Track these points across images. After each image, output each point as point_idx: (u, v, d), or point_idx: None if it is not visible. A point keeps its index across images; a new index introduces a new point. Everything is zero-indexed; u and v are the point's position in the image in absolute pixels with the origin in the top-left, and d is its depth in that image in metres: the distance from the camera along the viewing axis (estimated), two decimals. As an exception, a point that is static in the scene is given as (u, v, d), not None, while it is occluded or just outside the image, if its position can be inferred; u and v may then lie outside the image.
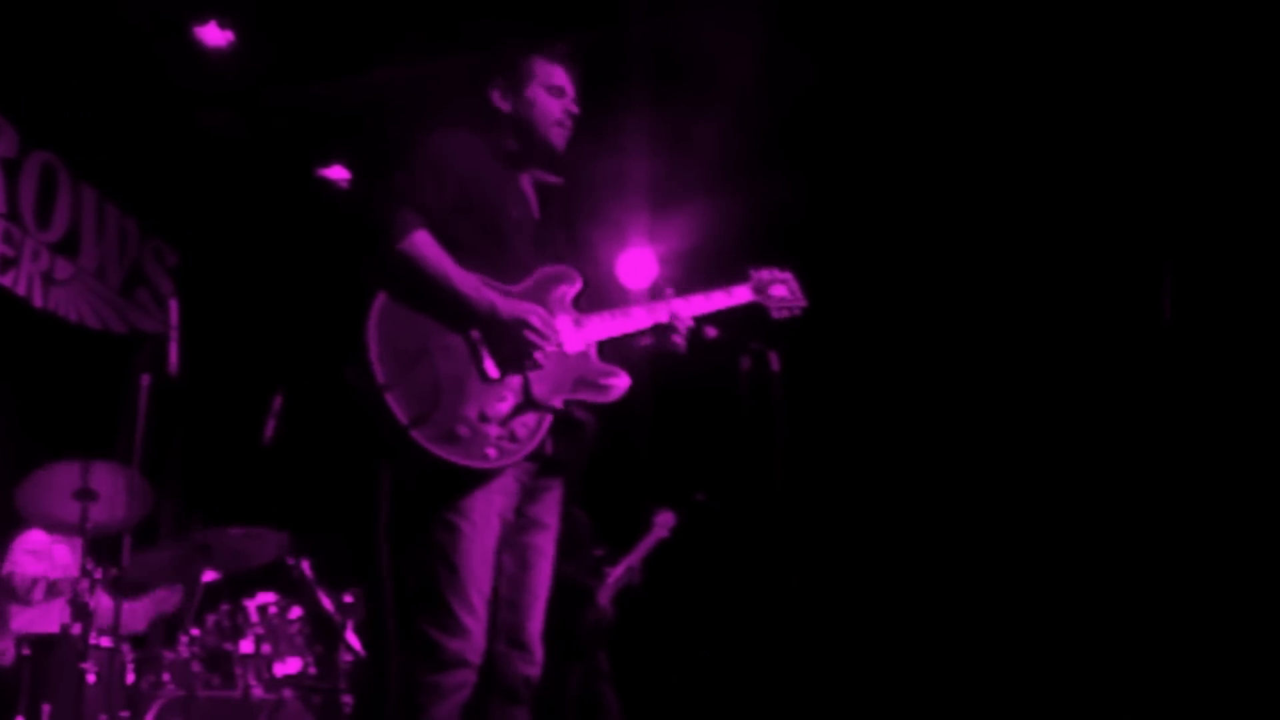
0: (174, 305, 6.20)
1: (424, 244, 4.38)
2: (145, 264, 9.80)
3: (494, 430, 4.36)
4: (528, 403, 4.44)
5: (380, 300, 4.34)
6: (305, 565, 7.13)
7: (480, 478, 4.38)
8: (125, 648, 6.66)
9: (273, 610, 7.00)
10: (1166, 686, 7.63)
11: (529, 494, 4.61)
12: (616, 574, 8.09)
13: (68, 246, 9.07)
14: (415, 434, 4.24)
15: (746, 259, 8.75)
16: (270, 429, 7.07)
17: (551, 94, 4.81)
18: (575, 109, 4.85)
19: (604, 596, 7.98)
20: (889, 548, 8.84)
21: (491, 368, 4.42)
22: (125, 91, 8.99)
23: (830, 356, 8.53)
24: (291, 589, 7.14)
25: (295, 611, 7.05)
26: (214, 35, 8.30)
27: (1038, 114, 8.20)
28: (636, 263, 9.25)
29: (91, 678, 6.33)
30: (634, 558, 8.14)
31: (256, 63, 8.56)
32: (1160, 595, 7.71)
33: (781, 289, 5.15)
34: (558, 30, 8.33)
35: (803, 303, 5.18)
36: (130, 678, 6.62)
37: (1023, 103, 8.19)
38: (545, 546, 4.68)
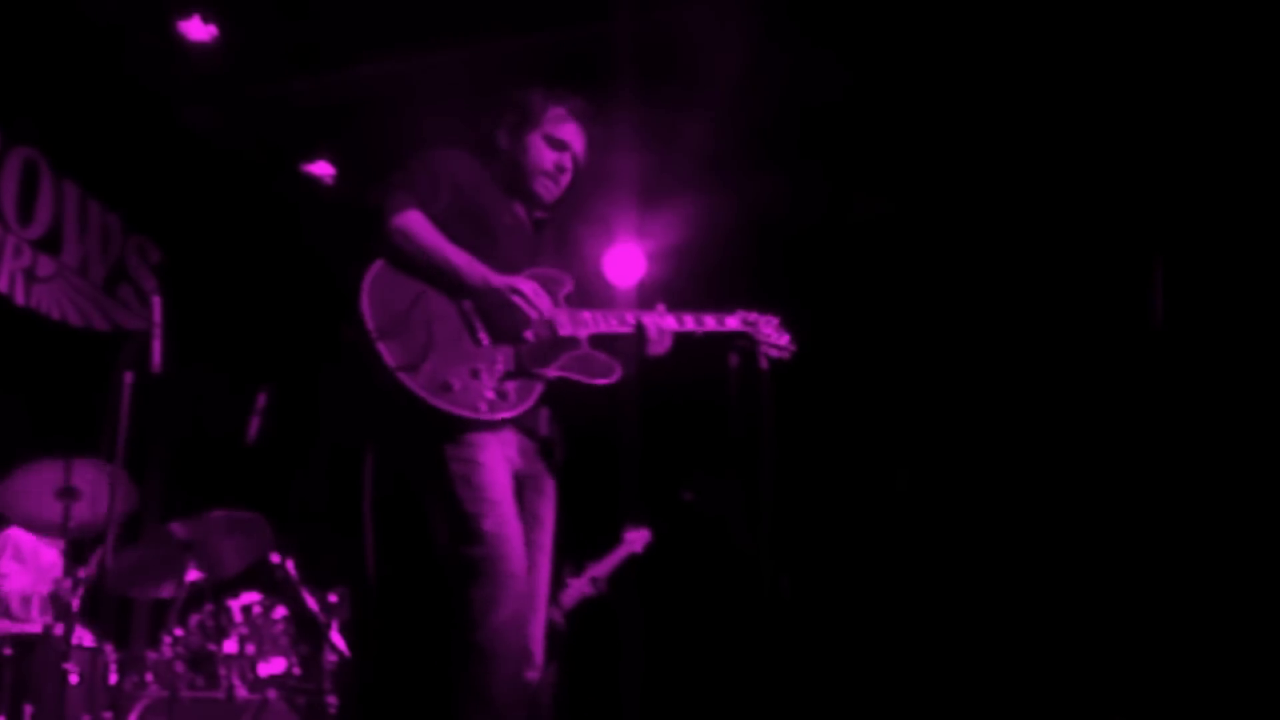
0: (157, 302, 6.14)
1: (417, 221, 4.57)
2: (128, 261, 9.74)
3: (486, 386, 4.50)
4: (519, 370, 4.61)
5: (376, 266, 4.53)
6: (290, 565, 7.09)
7: (476, 427, 4.49)
8: (108, 648, 6.61)
9: (257, 610, 6.95)
10: (1159, 687, 7.61)
11: (529, 483, 4.75)
12: (577, 584, 8.00)
13: (50, 243, 9.01)
14: (406, 379, 4.38)
15: (736, 256, 8.81)
16: (254, 427, 7.05)
17: (550, 145, 4.98)
18: (569, 166, 5.01)
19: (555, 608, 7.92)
20: (879, 547, 8.80)
21: (484, 335, 4.59)
22: (108, 87, 8.95)
23: (819, 354, 8.50)
24: (276, 588, 7.09)
25: (279, 611, 7.00)
26: (197, 30, 8.27)
27: (1025, 104, 8.17)
28: (623, 259, 9.21)
29: (74, 678, 6.28)
30: (599, 569, 8.04)
31: (240, 58, 8.54)
32: (1153, 599, 7.68)
33: (769, 328, 5.26)
34: (548, 26, 8.42)
35: (789, 344, 5.31)
36: (113, 678, 6.58)
37: (1010, 93, 8.16)
38: (544, 543, 4.80)
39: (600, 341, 4.89)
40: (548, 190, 5.03)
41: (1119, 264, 8.04)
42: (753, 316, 5.25)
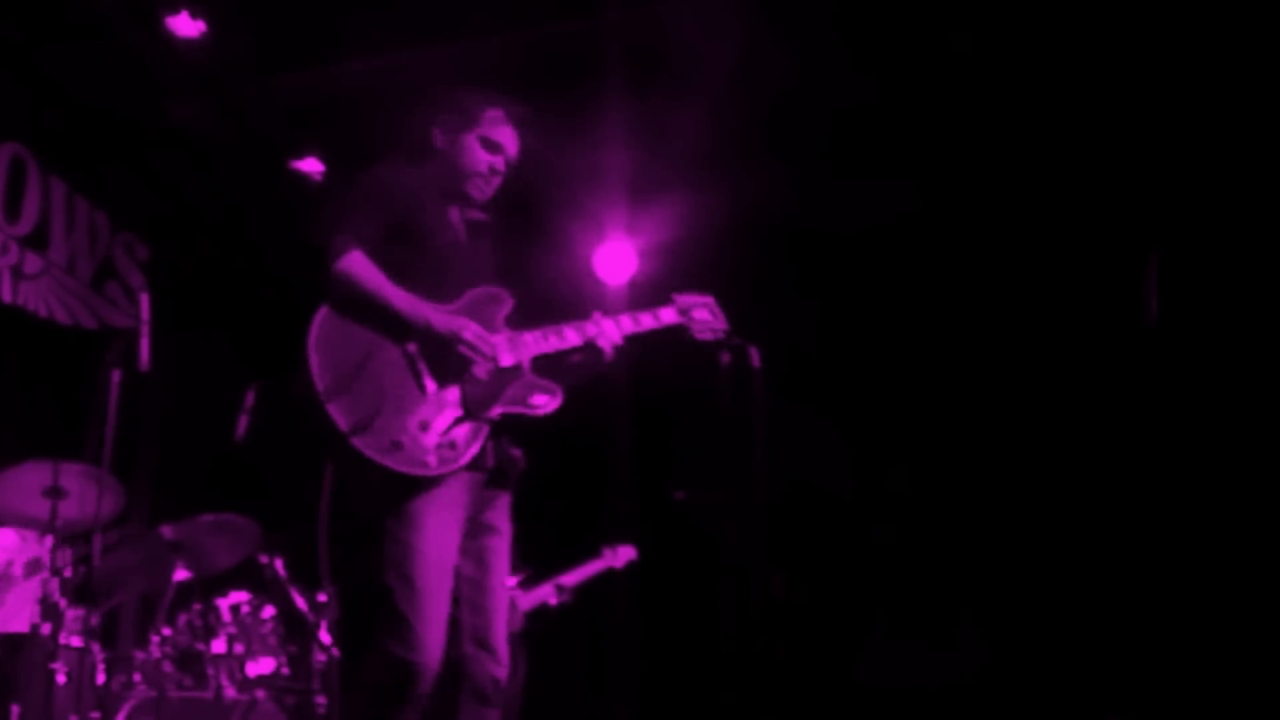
0: (145, 300, 6.13)
1: (359, 264, 4.62)
2: (116, 258, 9.70)
3: (433, 439, 4.56)
4: (466, 414, 4.66)
5: (321, 315, 4.56)
6: (278, 564, 7.07)
7: (424, 486, 4.56)
8: (95, 647, 6.57)
9: (245, 609, 6.93)
10: (1155, 684, 7.61)
11: (482, 502, 4.82)
12: (540, 590, 7.96)
13: (37, 240, 8.96)
14: (356, 441, 4.43)
15: (728, 252, 8.79)
16: (243, 426, 7.03)
17: (484, 147, 5.04)
18: (502, 169, 5.06)
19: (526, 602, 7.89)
20: (872, 546, 8.79)
21: (429, 381, 4.64)
22: (95, 82, 8.90)
23: (811, 351, 8.49)
24: (264, 588, 7.08)
25: (268, 611, 6.98)
26: (185, 25, 8.20)
27: (1021, 101, 8.17)
28: (614, 256, 9.19)
29: (61, 678, 6.26)
30: (568, 578, 7.99)
31: (229, 53, 8.49)
32: (1148, 595, 7.68)
33: (704, 312, 5.33)
34: (536, 21, 8.40)
35: (724, 325, 5.36)
36: (101, 678, 6.54)
37: (1006, 91, 8.16)
38: (501, 549, 4.87)
39: (543, 361, 4.93)
40: (479, 191, 5.07)
41: (1114, 260, 8.04)
42: (688, 300, 5.33)
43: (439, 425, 4.60)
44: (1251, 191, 7.73)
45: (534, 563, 7.91)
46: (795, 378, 5.74)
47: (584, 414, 9.24)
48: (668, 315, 5.24)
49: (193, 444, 9.12)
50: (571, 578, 8.01)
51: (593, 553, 8.19)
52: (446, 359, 4.67)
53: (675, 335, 5.31)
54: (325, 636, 6.95)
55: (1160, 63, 7.70)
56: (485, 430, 4.71)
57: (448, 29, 8.36)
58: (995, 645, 8.33)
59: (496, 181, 5.10)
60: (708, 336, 5.31)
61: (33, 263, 8.91)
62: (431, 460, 4.54)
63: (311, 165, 9.47)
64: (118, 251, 9.73)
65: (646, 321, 5.18)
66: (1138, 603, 7.71)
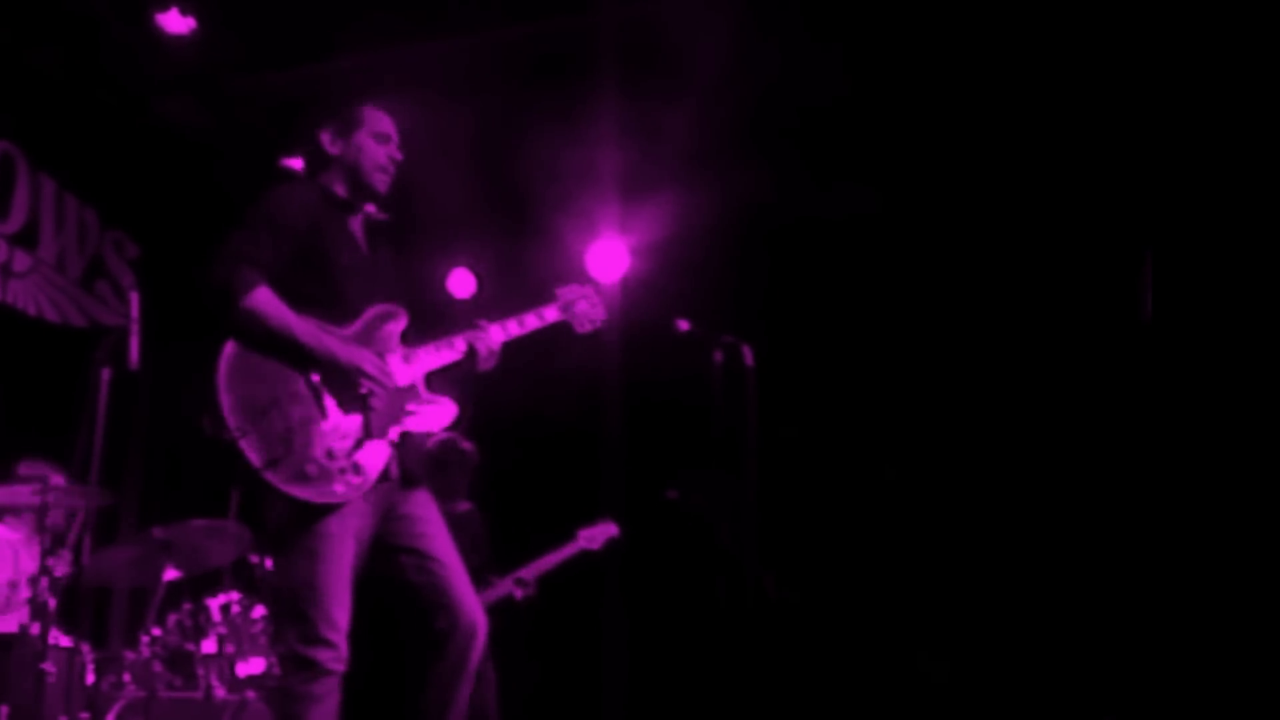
0: (135, 298, 6.12)
1: (265, 300, 4.72)
2: (106, 256, 9.67)
3: (339, 465, 4.74)
4: (367, 436, 4.83)
5: (228, 353, 4.70)
6: (269, 564, 7.02)
7: (333, 508, 4.74)
8: (85, 647, 6.54)
9: (235, 609, 6.88)
10: (1148, 683, 7.59)
11: (393, 503, 4.98)
12: (502, 584, 7.93)
13: (26, 238, 8.94)
14: (269, 476, 4.59)
15: (719, 250, 8.77)
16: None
17: (378, 140, 5.19)
18: (399, 155, 5.23)
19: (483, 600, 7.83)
20: (865, 545, 8.76)
21: (333, 410, 4.79)
22: (85, 80, 8.88)
23: (804, 350, 8.47)
24: (254, 588, 7.03)
25: (258, 611, 6.93)
26: (175, 22, 8.21)
27: (1014, 99, 8.15)
28: (607, 254, 9.17)
29: (51, 678, 6.22)
30: (538, 567, 7.94)
31: (219, 50, 8.50)
32: (1142, 593, 7.66)
33: (584, 304, 5.55)
34: (529, 19, 8.38)
35: (602, 315, 5.60)
36: (90, 678, 6.52)
37: (1000, 88, 8.14)
38: (431, 530, 5.03)
39: (439, 373, 5.11)
40: (384, 183, 5.21)
41: (1109, 258, 8.02)
42: (570, 294, 5.54)
43: (344, 450, 4.77)
44: (1246, 188, 7.71)
45: (526, 562, 7.90)
46: (786, 375, 5.69)
47: (576, 413, 9.25)
48: (551, 313, 5.45)
49: (183, 442, 9.08)
50: (539, 566, 7.92)
51: (567, 537, 8.12)
52: (348, 388, 4.83)
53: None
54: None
55: (1155, 60, 7.69)
56: (386, 450, 4.89)
57: (438, 27, 8.35)
58: (989, 644, 8.30)
59: (393, 170, 5.23)
60: (588, 328, 5.54)
61: (21, 261, 8.88)
62: (339, 489, 4.72)
63: (300, 162, 9.44)
64: (107, 249, 9.70)
65: (531, 322, 5.37)
66: (1131, 600, 7.69)
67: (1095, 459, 8.02)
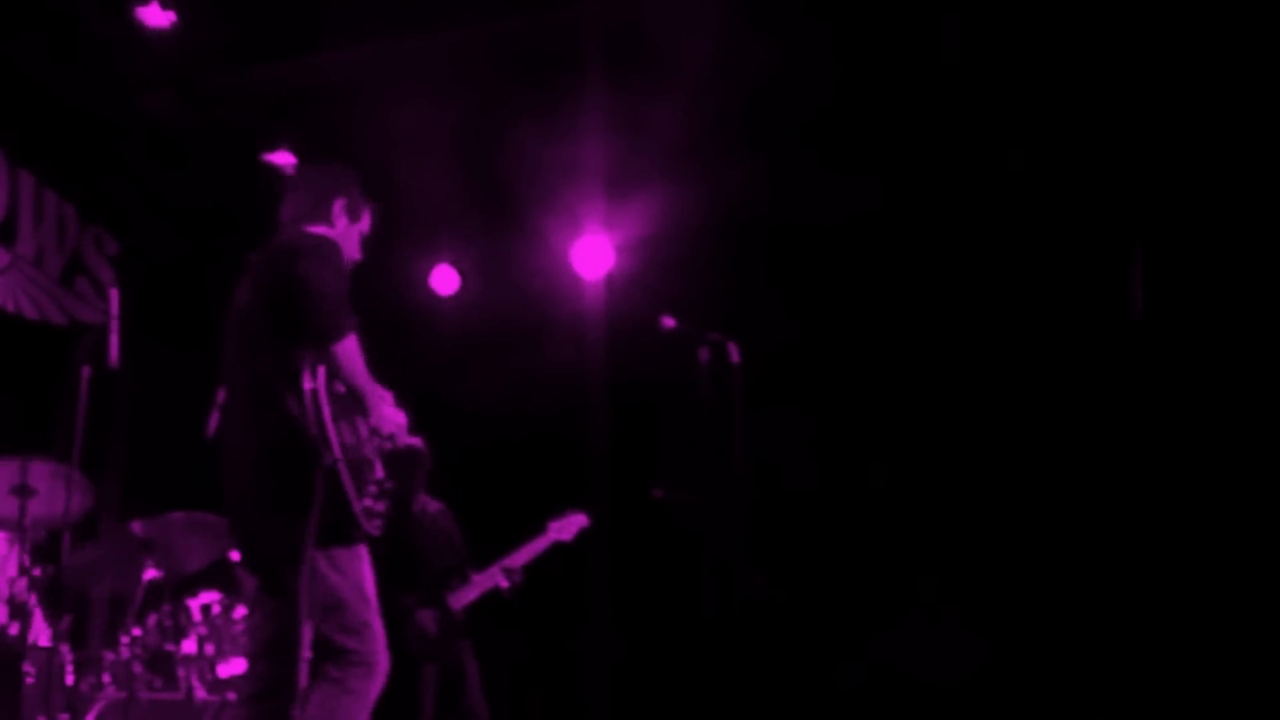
0: (114, 295, 6.06)
1: (354, 346, 5.00)
2: (85, 252, 9.61)
3: (378, 508, 5.09)
4: (384, 487, 5.15)
5: (323, 385, 4.92)
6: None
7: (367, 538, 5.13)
8: (64, 648, 6.49)
9: (216, 610, 6.86)
10: (1138, 681, 7.60)
11: None
12: (481, 578, 7.92)
13: (4, 234, 8.89)
14: (356, 506, 4.94)
15: (705, 247, 8.74)
16: (214, 422, 6.98)
17: (361, 243, 5.47)
18: (359, 257, 5.46)
19: (457, 600, 7.85)
20: (854, 545, 8.74)
21: (372, 454, 5.13)
22: (65, 74, 8.82)
23: (792, 348, 8.45)
24: (235, 588, 6.97)
25: (239, 611, 6.88)
26: (155, 16, 8.16)
27: (1005, 95, 8.14)
28: (591, 251, 9.14)
29: (30, 679, 6.19)
30: (513, 560, 7.91)
31: (199, 45, 8.44)
32: (1133, 590, 7.67)
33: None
34: (512, 9, 8.35)
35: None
36: (70, 679, 6.47)
37: (990, 84, 8.13)
38: None
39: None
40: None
41: (1099, 254, 8.01)
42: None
43: (374, 490, 5.09)
44: (1236, 185, 7.70)
45: (497, 558, 7.89)
46: (774, 373, 5.66)
47: (561, 411, 9.21)
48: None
49: (163, 440, 9.05)
50: (517, 558, 7.89)
51: (538, 529, 8.08)
52: (383, 439, 5.20)
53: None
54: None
55: (1144, 58, 7.68)
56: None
57: (422, 21, 8.32)
58: (979, 643, 8.29)
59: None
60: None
61: (0, 257, 8.83)
62: (376, 526, 5.07)
63: (284, 158, 9.42)
64: (87, 246, 9.65)
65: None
66: (1123, 598, 7.69)
67: (1087, 455, 8.02)
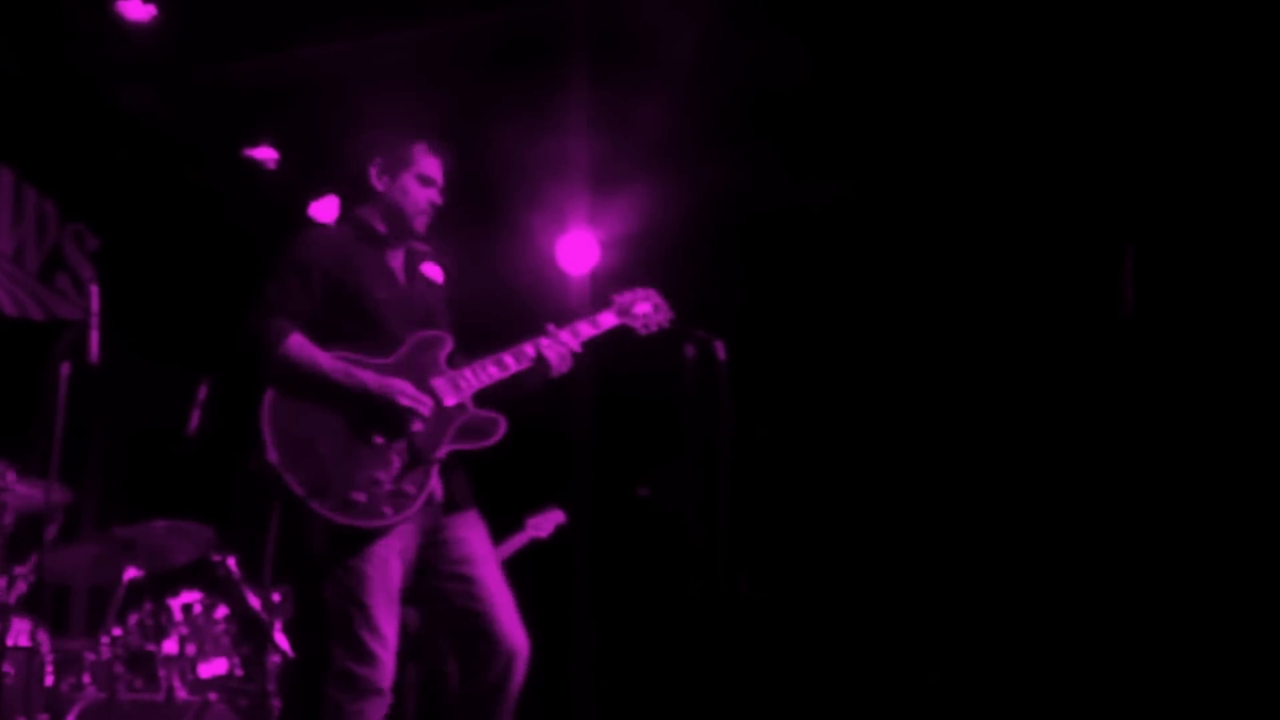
0: (95, 291, 5.99)
1: (296, 346, 4.98)
2: (65, 248, 9.55)
3: (387, 489, 4.94)
4: (413, 460, 5.02)
5: (269, 396, 4.93)
6: (231, 563, 6.98)
7: (381, 534, 4.97)
8: (44, 648, 6.42)
9: (197, 609, 6.82)
10: (1129, 681, 7.59)
11: (439, 528, 5.15)
12: None
13: (-17, 230, 8.84)
14: (315, 505, 4.84)
15: (691, 243, 8.71)
16: (195, 420, 6.98)
17: (421, 183, 5.38)
18: (439, 200, 5.42)
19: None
20: (840, 543, 8.72)
21: (375, 438, 4.99)
22: (44, 68, 8.77)
23: (777, 345, 8.42)
24: (217, 587, 6.98)
25: (221, 611, 6.88)
26: (135, 9, 8.13)
27: (994, 91, 8.13)
28: (576, 247, 9.10)
29: (9, 679, 6.12)
30: None
31: (180, 39, 8.39)
32: (1123, 589, 7.65)
33: (645, 305, 5.63)
34: (497, 6, 8.31)
35: (668, 315, 5.65)
36: (49, 679, 6.41)
37: (980, 80, 8.12)
38: (477, 554, 5.20)
39: (485, 395, 5.24)
40: (423, 225, 5.43)
41: (1089, 252, 7.99)
42: (627, 297, 5.63)
43: (389, 477, 4.96)
44: (1228, 182, 7.69)
45: None
46: (760, 370, 5.64)
47: (545, 408, 9.14)
48: (607, 319, 5.54)
49: (144, 438, 9.01)
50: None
51: (516, 526, 8.05)
52: (386, 416, 5.00)
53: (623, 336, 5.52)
54: (279, 637, 6.90)
55: (1136, 55, 7.67)
56: (434, 470, 5.07)
57: (405, 14, 8.29)
58: (964, 640, 8.27)
59: (432, 214, 5.43)
60: (653, 330, 5.60)
61: (-22, 253, 8.80)
62: (388, 510, 4.93)
63: (265, 153, 9.39)
64: (67, 242, 9.60)
65: (585, 330, 5.46)
66: (1111, 597, 7.68)
67: (1075, 454, 8.00)
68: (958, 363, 8.45)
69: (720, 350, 5.55)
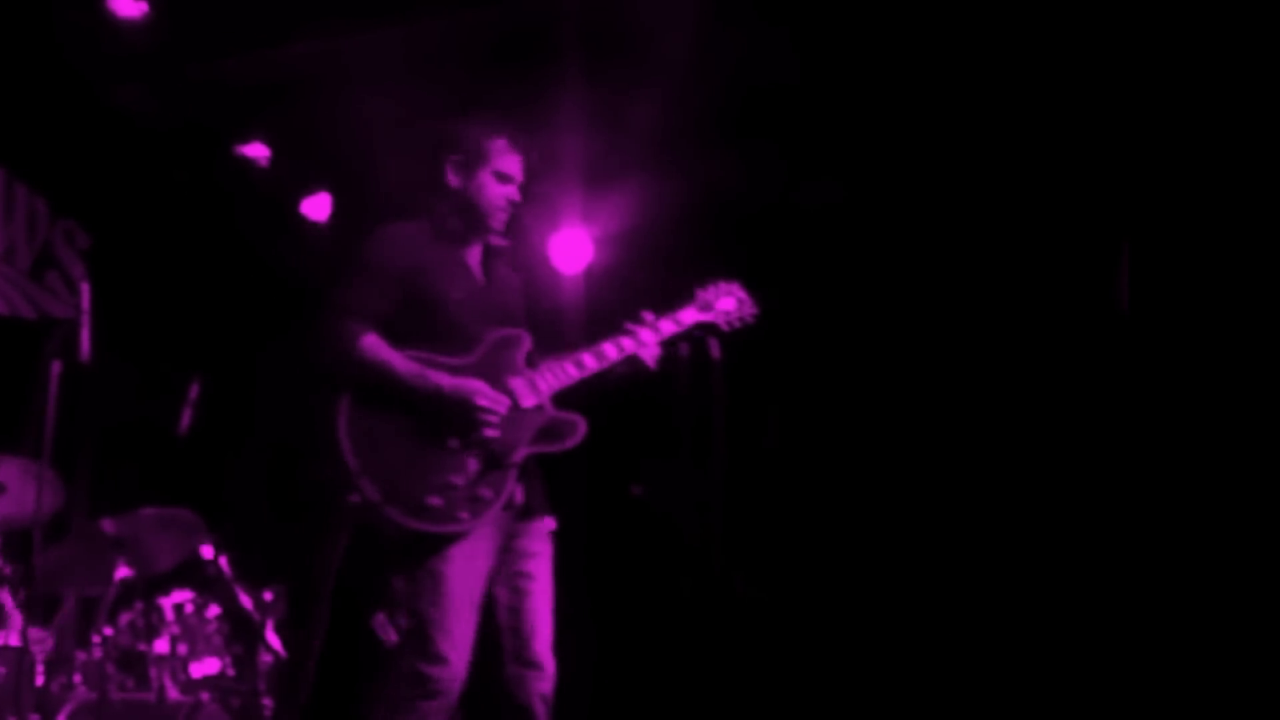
0: (86, 289, 6.00)
1: (369, 348, 4.93)
2: (56, 246, 9.51)
3: (463, 494, 4.87)
4: (490, 463, 4.94)
5: (343, 400, 4.87)
6: (223, 562, 6.98)
7: (456, 539, 4.91)
8: (36, 648, 6.39)
9: (189, 609, 6.83)
10: (1117, 680, 7.58)
11: (514, 534, 5.13)
12: None
13: (-26, 229, 8.81)
14: (389, 511, 4.79)
15: (685, 241, 8.69)
16: (186, 418, 6.96)
17: (499, 180, 5.28)
18: (518, 197, 5.33)
19: None
20: (835, 541, 8.70)
21: (450, 441, 4.92)
22: (34, 65, 8.74)
23: (772, 342, 8.39)
24: (208, 586, 6.99)
25: (213, 610, 6.89)
26: (127, 6, 8.10)
27: (991, 88, 8.11)
28: (570, 245, 9.09)
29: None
30: None
31: (172, 35, 8.35)
32: (1118, 587, 7.65)
33: (729, 301, 5.55)
34: (490, 1, 8.29)
35: (753, 310, 5.59)
36: (40, 679, 6.40)
37: (976, 77, 8.10)
38: (538, 571, 5.20)
39: (563, 396, 5.18)
40: (501, 222, 5.33)
41: (1086, 249, 7.99)
42: (710, 291, 5.54)
43: (465, 480, 4.90)
44: (1224, 179, 7.69)
45: None
46: (755, 367, 5.62)
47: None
48: (688, 315, 5.45)
49: (135, 437, 8.98)
50: None
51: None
52: (461, 419, 4.93)
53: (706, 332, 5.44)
54: (271, 636, 6.90)
55: (1131, 52, 7.66)
56: (512, 473, 5.01)
57: (397, 10, 8.26)
58: (957, 640, 8.26)
59: (510, 210, 5.36)
60: (737, 327, 5.52)
61: (-32, 252, 8.77)
62: (464, 514, 4.88)
63: (258, 150, 9.36)
64: (58, 239, 9.55)
65: (667, 328, 5.39)
66: (1112, 592, 7.67)
67: (1071, 450, 7.99)
68: (955, 359, 8.44)
69: (715, 348, 5.53)
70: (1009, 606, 8.14)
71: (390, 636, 7.77)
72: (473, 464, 4.92)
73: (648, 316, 5.35)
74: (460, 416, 4.92)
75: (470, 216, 5.28)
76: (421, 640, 4.86)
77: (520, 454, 5.01)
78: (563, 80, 8.32)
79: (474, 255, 5.34)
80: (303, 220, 9.63)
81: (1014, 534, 8.14)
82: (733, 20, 7.85)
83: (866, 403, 8.69)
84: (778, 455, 8.67)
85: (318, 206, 9.65)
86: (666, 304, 5.45)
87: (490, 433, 4.93)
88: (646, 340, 5.29)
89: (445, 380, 4.95)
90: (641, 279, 8.45)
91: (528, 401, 5.06)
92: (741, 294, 5.58)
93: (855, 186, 8.53)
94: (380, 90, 8.39)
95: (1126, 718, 7.53)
